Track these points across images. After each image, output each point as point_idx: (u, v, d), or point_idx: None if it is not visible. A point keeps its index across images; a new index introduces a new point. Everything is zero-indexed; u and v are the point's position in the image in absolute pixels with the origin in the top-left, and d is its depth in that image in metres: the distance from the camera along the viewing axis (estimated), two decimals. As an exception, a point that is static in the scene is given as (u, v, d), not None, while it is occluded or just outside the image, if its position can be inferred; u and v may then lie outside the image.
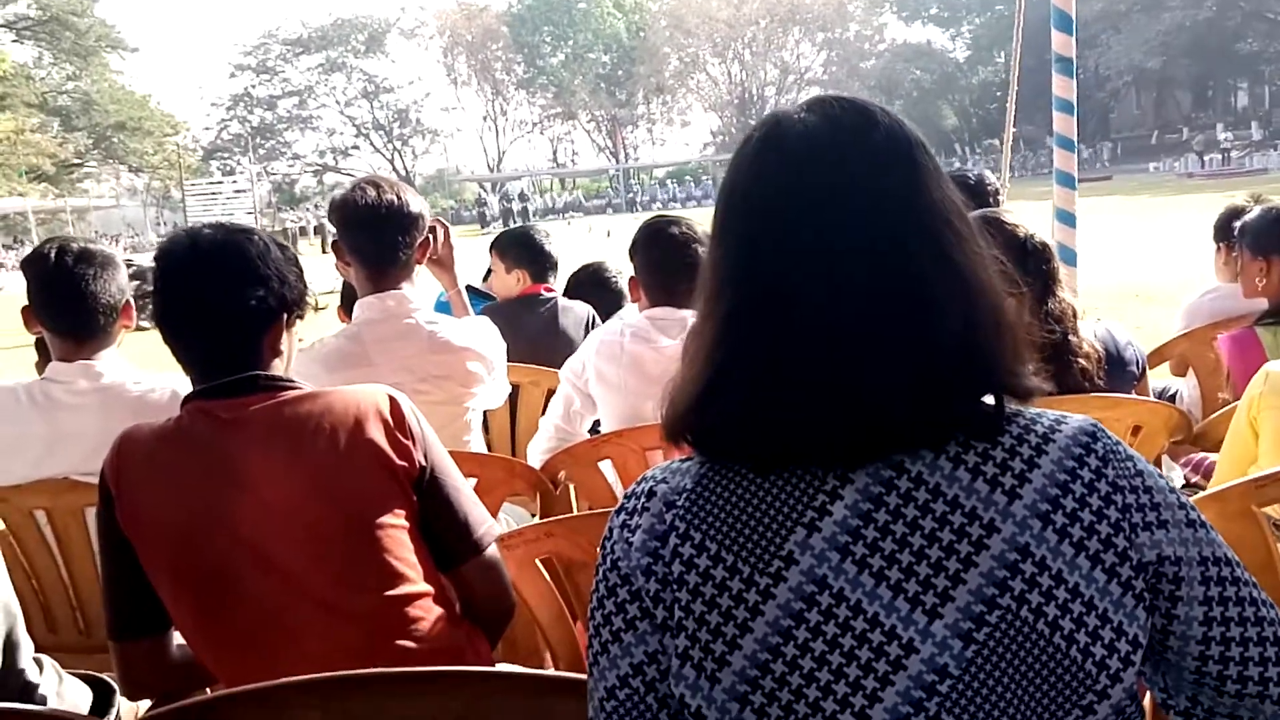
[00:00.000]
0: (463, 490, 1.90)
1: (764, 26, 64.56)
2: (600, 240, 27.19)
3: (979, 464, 1.00)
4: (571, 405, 3.20)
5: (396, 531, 1.80)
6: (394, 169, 66.06)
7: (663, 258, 3.00)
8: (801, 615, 0.99)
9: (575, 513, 2.77)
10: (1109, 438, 1.04)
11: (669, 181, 59.80)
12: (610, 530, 1.12)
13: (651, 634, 1.05)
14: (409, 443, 1.82)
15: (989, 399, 1.03)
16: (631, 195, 55.69)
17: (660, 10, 67.41)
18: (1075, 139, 4.89)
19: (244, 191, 38.90)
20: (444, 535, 1.87)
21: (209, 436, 1.78)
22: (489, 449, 3.76)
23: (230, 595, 1.75)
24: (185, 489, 1.76)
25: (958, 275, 1.03)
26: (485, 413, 3.55)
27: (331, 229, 2.98)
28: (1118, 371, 3.10)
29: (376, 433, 1.79)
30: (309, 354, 2.78)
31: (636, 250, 3.08)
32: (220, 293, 1.79)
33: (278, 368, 1.87)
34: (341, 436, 1.77)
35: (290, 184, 65.58)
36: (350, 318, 2.92)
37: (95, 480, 1.83)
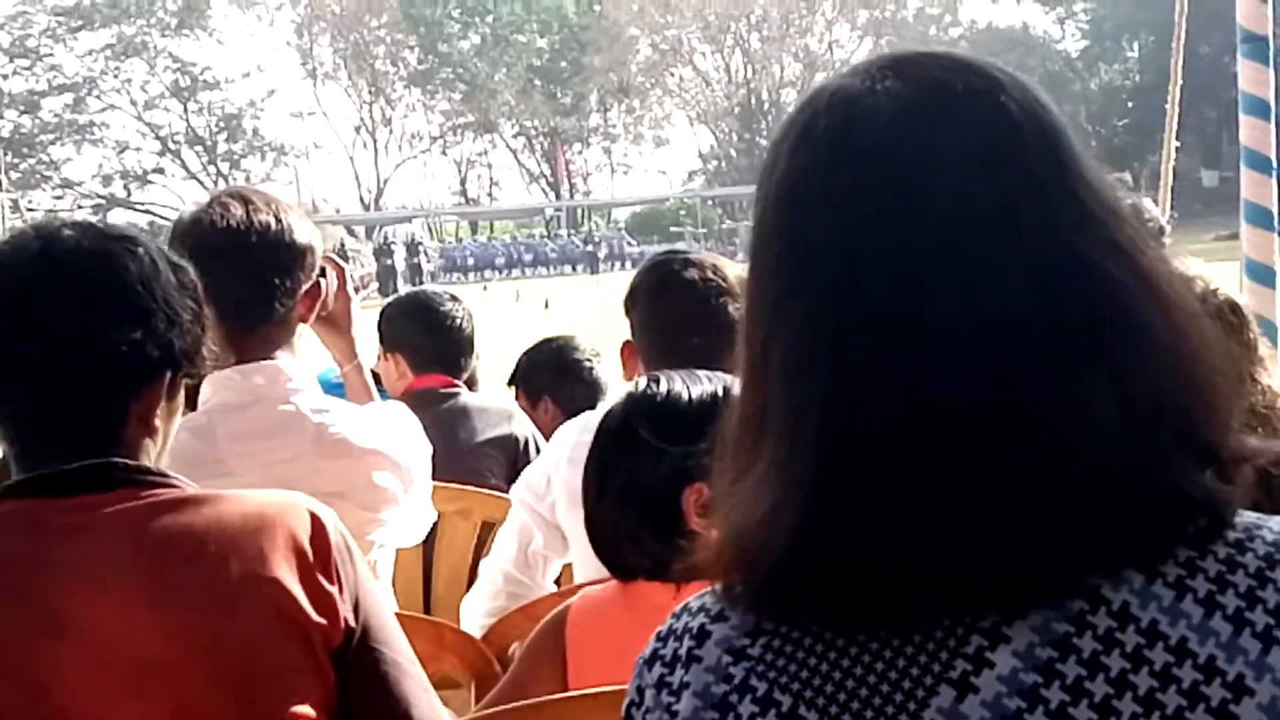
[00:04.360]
0: (406, 667, 1.90)
1: (780, 1, 66.16)
2: (534, 311, 27.38)
3: (1213, 592, 1.00)
4: (529, 542, 3.21)
5: (303, 728, 1.78)
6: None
7: (676, 313, 3.06)
8: None
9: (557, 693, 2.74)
10: None
11: (651, 229, 59.92)
12: (639, 693, 1.11)
13: None
14: (334, 588, 1.81)
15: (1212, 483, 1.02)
16: (590, 247, 56.17)
17: (625, -25, 68.99)
18: (1274, 155, 4.99)
19: (-15, 235, 38.89)
20: None
21: (25, 555, 1.77)
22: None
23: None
24: None
25: (1155, 290, 1.04)
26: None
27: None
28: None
29: (285, 570, 1.78)
30: None
31: (637, 302, 3.14)
32: (75, 327, 1.78)
33: (149, 453, 1.86)
34: (233, 568, 1.76)
35: (57, 225, 65.69)
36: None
37: None
